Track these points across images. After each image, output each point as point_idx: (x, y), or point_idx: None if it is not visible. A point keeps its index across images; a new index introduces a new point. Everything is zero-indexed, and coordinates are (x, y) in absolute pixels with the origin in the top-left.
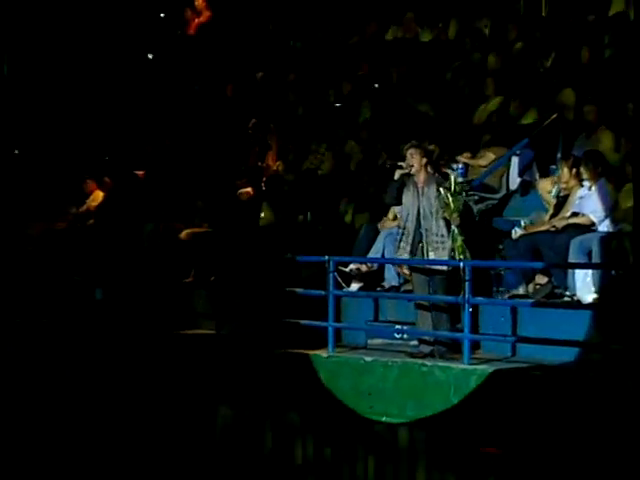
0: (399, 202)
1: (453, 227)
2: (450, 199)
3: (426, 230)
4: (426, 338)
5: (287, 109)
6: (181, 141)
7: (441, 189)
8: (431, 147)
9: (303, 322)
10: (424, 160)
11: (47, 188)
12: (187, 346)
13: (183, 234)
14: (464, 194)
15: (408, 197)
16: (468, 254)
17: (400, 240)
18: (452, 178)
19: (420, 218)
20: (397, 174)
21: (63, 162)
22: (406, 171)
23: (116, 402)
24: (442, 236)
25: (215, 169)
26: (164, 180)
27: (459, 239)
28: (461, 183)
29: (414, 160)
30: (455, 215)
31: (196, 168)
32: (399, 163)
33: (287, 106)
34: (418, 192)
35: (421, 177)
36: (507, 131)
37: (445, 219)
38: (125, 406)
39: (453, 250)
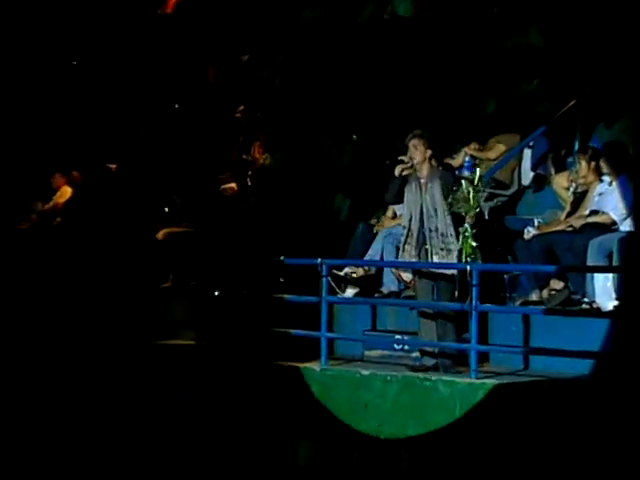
0: (401, 200)
1: (466, 226)
2: (472, 194)
3: (430, 231)
4: (429, 349)
5: (275, 95)
6: (158, 131)
7: (463, 181)
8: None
9: (293, 332)
10: (428, 152)
11: (8, 183)
12: (164, 358)
13: (160, 234)
14: (484, 190)
15: (410, 194)
16: (479, 257)
17: (405, 242)
18: (477, 170)
19: (423, 217)
20: (398, 170)
21: (27, 154)
22: (408, 166)
23: (83, 422)
24: (450, 236)
25: (195, 162)
26: (139, 174)
27: (470, 240)
28: (482, 178)
29: (417, 152)
30: (473, 213)
31: (174, 161)
32: (400, 158)
33: (275, 92)
34: (421, 188)
35: (424, 171)
36: (519, 119)
37: (453, 217)
38: (94, 426)
39: (462, 252)
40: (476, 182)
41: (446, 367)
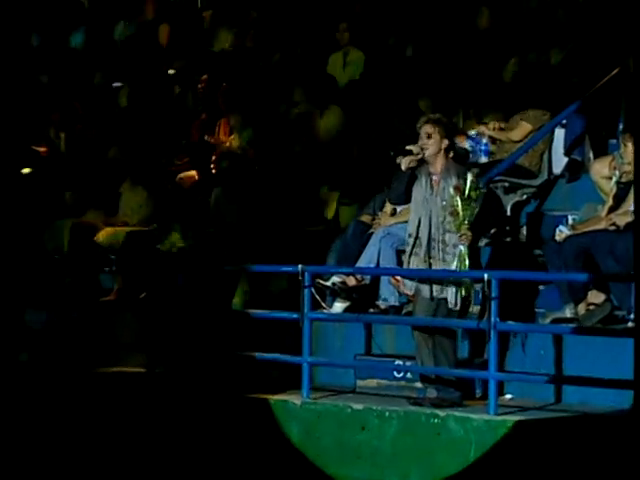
0: (408, 199)
1: (460, 247)
2: (460, 205)
3: (439, 242)
4: (432, 377)
5: (246, 61)
6: (96, 105)
7: (450, 189)
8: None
9: (268, 356)
10: (444, 142)
11: None
12: (107, 390)
13: (101, 235)
14: (480, 199)
15: (420, 194)
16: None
17: (410, 253)
18: (468, 176)
19: (431, 223)
20: (405, 162)
21: None
22: (418, 157)
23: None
24: (453, 246)
25: (145, 144)
26: (74, 159)
27: (467, 260)
28: (477, 186)
29: (431, 141)
30: (465, 228)
31: (118, 143)
32: (408, 147)
33: (246, 57)
34: (432, 187)
35: (438, 165)
36: (549, 92)
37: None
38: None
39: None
40: (467, 191)
41: (456, 400)
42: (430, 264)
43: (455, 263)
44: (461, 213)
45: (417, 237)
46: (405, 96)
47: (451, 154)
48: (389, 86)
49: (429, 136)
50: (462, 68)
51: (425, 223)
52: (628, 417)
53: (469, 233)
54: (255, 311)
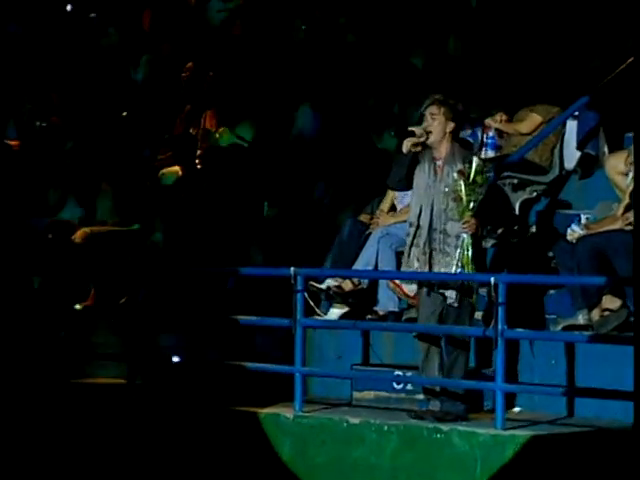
0: (408, 185)
1: (463, 236)
2: (464, 190)
3: (440, 232)
4: (437, 389)
5: (234, 48)
6: (74, 95)
7: (455, 174)
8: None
9: (257, 366)
10: (450, 125)
11: None
12: (82, 403)
13: (78, 235)
14: (486, 185)
15: (422, 179)
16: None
17: (411, 244)
18: (474, 159)
19: (433, 212)
20: (407, 145)
21: None
22: (421, 140)
23: None
24: (455, 237)
25: (126, 137)
26: (49, 153)
27: (470, 250)
28: (483, 169)
29: (435, 123)
30: (468, 214)
31: (96, 135)
32: (410, 128)
33: (234, 43)
34: (436, 173)
35: (442, 150)
36: (561, 81)
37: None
38: None
39: (461, 265)
40: (472, 175)
41: (461, 414)
42: (431, 255)
43: (457, 253)
44: (465, 198)
45: (418, 226)
46: (406, 85)
47: (456, 137)
48: (388, 73)
49: (433, 118)
50: (467, 55)
51: (426, 211)
52: (631, 432)
53: (473, 220)
54: (244, 317)
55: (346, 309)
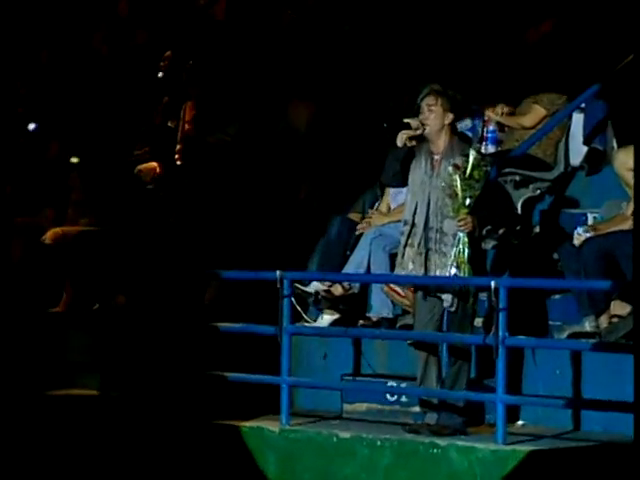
0: (404, 181)
1: (460, 235)
2: (459, 185)
3: (436, 231)
4: (435, 401)
5: (215, 34)
6: (42, 85)
7: (450, 168)
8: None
9: (241, 376)
10: (448, 117)
11: None
12: (54, 416)
13: (48, 235)
14: (483, 180)
15: (417, 175)
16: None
17: (405, 244)
18: (471, 152)
19: (429, 209)
20: (402, 138)
21: None
22: (417, 133)
23: None
24: (452, 236)
25: (98, 131)
26: (16, 147)
27: (466, 250)
28: (480, 163)
29: (433, 115)
30: (464, 212)
31: (67, 129)
32: (406, 120)
33: (215, 29)
34: (433, 167)
35: (440, 143)
36: (566, 71)
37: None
38: None
39: (457, 265)
40: (468, 169)
41: (459, 427)
42: (426, 256)
43: (453, 252)
44: (460, 194)
45: (413, 225)
46: (401, 74)
47: (454, 130)
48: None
49: (430, 109)
50: (464, 46)
51: (422, 209)
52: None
53: (469, 218)
54: (227, 324)
55: (337, 315)
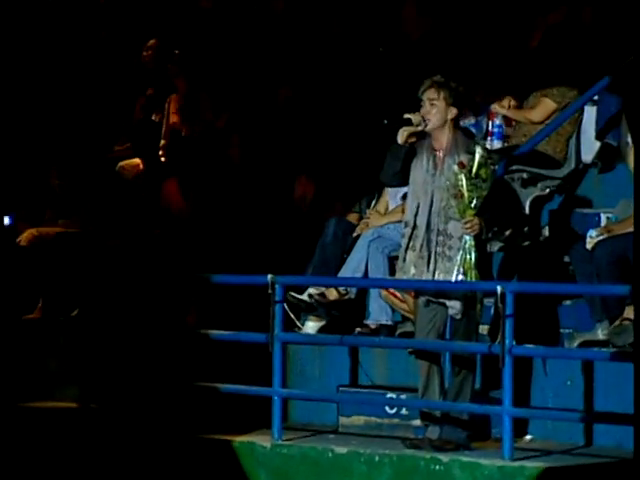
0: (404, 181)
1: (466, 238)
2: (465, 185)
3: (439, 233)
4: (437, 414)
5: (203, 24)
6: (17, 78)
7: (454, 167)
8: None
9: (230, 388)
10: (452, 111)
11: None
12: (30, 430)
13: (24, 237)
14: (491, 179)
15: (419, 173)
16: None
17: (407, 247)
18: (477, 149)
19: (431, 210)
20: (402, 135)
21: None
22: (418, 129)
23: None
24: (458, 238)
25: (75, 125)
26: None
27: (472, 254)
28: (487, 161)
29: (435, 109)
30: (470, 213)
31: (42, 122)
32: (406, 116)
33: (203, 18)
34: (436, 165)
35: (443, 139)
36: (577, 62)
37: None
38: None
39: (463, 271)
40: (474, 168)
41: (462, 442)
42: (429, 260)
43: (459, 257)
44: (466, 194)
45: (414, 227)
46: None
47: (458, 124)
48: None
49: (432, 103)
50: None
51: (424, 209)
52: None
53: (476, 220)
54: (216, 332)
55: (323, 322)
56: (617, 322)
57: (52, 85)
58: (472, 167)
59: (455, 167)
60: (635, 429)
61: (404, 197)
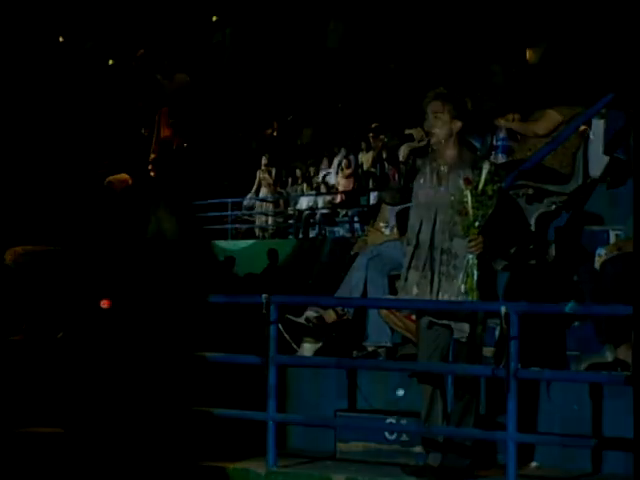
0: (406, 199)
1: (469, 257)
2: (470, 201)
3: (443, 251)
4: (439, 440)
5: (196, 33)
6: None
7: (460, 182)
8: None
9: (224, 412)
10: (456, 125)
11: None
12: (13, 457)
13: (8, 256)
14: (495, 197)
15: (423, 190)
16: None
17: (409, 265)
18: (484, 165)
19: (435, 228)
20: (404, 151)
21: None
22: (422, 144)
23: None
24: (462, 257)
25: (62, 138)
26: None
27: (475, 274)
28: (495, 178)
29: (439, 122)
30: (475, 232)
31: (30, 136)
32: (408, 131)
33: (193, 26)
34: (440, 181)
35: (448, 154)
36: (584, 73)
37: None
38: None
39: (464, 291)
40: (481, 184)
41: (466, 469)
42: (432, 280)
43: (461, 277)
44: (471, 212)
45: (417, 245)
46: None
47: (462, 139)
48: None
49: (436, 115)
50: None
51: (427, 227)
52: None
53: (480, 239)
54: (209, 354)
55: (320, 344)
56: (627, 347)
57: (36, 99)
58: (478, 183)
59: (461, 182)
60: (635, 455)
61: (398, 214)
